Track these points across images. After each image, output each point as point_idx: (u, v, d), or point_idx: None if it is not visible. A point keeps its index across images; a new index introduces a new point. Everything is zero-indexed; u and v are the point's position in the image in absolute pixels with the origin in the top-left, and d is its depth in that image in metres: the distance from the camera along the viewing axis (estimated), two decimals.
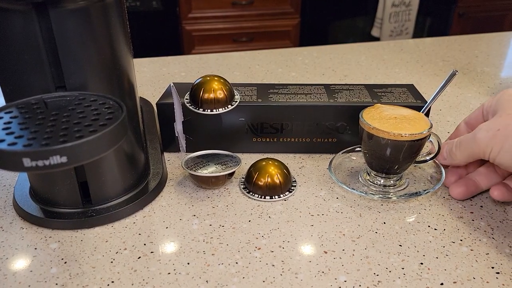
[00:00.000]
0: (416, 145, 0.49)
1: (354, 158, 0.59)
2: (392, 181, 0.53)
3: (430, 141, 0.52)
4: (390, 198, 0.51)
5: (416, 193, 0.52)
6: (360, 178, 0.55)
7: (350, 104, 0.57)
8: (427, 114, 0.57)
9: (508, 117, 0.44)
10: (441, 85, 0.54)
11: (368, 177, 0.55)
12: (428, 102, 0.55)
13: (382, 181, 0.53)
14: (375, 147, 0.50)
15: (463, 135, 0.50)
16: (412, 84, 0.63)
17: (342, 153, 0.58)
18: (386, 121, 0.50)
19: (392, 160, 0.50)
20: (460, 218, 0.49)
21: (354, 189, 0.51)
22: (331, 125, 0.58)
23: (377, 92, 0.60)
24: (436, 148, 0.52)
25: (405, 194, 0.52)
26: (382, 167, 0.52)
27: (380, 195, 0.51)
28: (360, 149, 0.54)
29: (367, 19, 2.39)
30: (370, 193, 0.52)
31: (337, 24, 2.40)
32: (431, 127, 0.49)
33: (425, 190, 0.52)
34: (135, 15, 2.06)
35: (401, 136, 0.48)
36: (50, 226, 0.47)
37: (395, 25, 2.30)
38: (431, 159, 0.53)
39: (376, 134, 0.49)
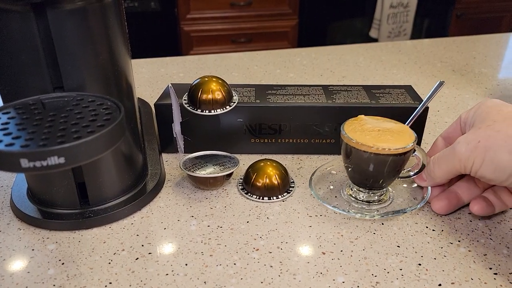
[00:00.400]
0: (400, 159, 0.46)
1: (335, 172, 0.56)
2: (376, 197, 0.51)
3: (415, 155, 0.49)
4: (373, 217, 0.48)
5: (400, 210, 0.49)
6: (342, 193, 0.52)
7: (348, 105, 0.57)
8: (424, 117, 0.58)
9: (487, 128, 0.41)
10: (428, 95, 0.53)
11: (350, 192, 0.52)
12: (414, 114, 0.53)
13: (365, 196, 0.51)
14: (357, 162, 0.48)
15: (441, 150, 0.47)
16: (410, 85, 0.63)
17: (323, 166, 0.56)
18: (369, 133, 0.47)
19: (375, 175, 0.48)
20: (458, 219, 0.49)
21: (335, 207, 0.49)
22: (330, 126, 0.58)
23: (375, 93, 0.60)
24: (421, 163, 0.50)
25: (388, 212, 0.48)
26: (365, 182, 0.50)
27: (362, 214, 0.48)
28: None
29: (365, 20, 2.39)
30: (352, 211, 0.49)
31: (335, 25, 2.41)
32: (415, 140, 0.47)
33: (410, 207, 0.49)
34: (133, 15, 2.06)
35: (384, 150, 0.45)
36: (48, 227, 0.47)
37: (393, 26, 2.30)
38: (415, 174, 0.50)
39: (358, 148, 0.46)
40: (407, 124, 0.51)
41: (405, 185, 0.54)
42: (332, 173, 0.56)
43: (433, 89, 0.53)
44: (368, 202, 0.51)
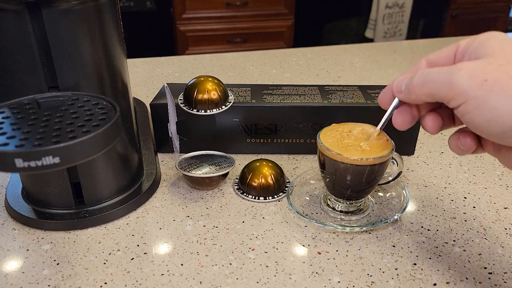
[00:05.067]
0: (379, 168, 0.45)
1: (313, 182, 0.54)
2: (354, 207, 0.49)
3: (392, 161, 0.48)
4: (353, 229, 0.46)
5: (381, 220, 0.47)
6: (320, 205, 0.50)
7: (344, 105, 0.57)
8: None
9: (500, 68, 0.32)
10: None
11: (328, 202, 0.50)
12: (385, 119, 0.43)
13: (343, 207, 0.49)
14: (334, 172, 0.46)
15: None
16: None
17: (302, 175, 0.55)
18: (346, 143, 0.45)
19: (353, 185, 0.46)
20: (453, 218, 0.49)
21: (313, 220, 0.47)
22: (325, 126, 0.58)
23: (371, 93, 0.60)
24: (397, 170, 0.49)
25: (369, 223, 0.47)
26: (343, 193, 0.47)
27: (341, 226, 0.46)
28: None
29: (361, 21, 2.40)
30: (330, 225, 0.46)
31: (331, 25, 2.41)
32: (393, 149, 0.45)
33: (392, 217, 0.47)
34: (129, 15, 2.06)
35: (362, 160, 0.43)
36: (43, 227, 0.46)
37: (388, 27, 2.31)
38: (393, 179, 0.50)
39: (335, 159, 0.44)
40: (380, 128, 0.45)
41: (381, 194, 0.52)
42: (311, 183, 0.54)
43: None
44: (347, 212, 0.49)
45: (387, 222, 0.47)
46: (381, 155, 0.44)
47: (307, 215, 0.49)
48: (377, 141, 0.45)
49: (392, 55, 1.03)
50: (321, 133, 0.47)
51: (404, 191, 0.51)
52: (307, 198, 0.52)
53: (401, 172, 0.49)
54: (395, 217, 0.47)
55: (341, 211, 0.49)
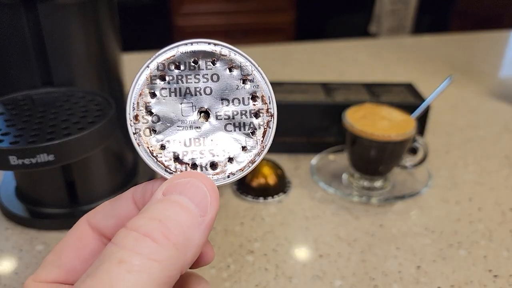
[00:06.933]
0: (399, 146, 0.48)
1: (332, 158, 0.58)
2: (376, 184, 0.53)
3: (418, 146, 0.52)
4: (370, 199, 0.50)
5: (400, 196, 0.50)
6: (343, 180, 0.54)
7: (348, 102, 0.56)
8: (425, 115, 0.57)
9: None
10: (438, 90, 0.52)
11: (351, 179, 0.54)
12: (420, 108, 0.52)
13: (366, 183, 0.53)
14: (358, 148, 0.50)
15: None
16: (411, 83, 0.62)
17: (325, 153, 0.58)
18: (371, 121, 0.49)
19: (375, 161, 0.50)
20: (458, 220, 0.48)
21: (337, 190, 0.51)
22: (329, 124, 0.57)
23: (376, 91, 0.59)
24: (422, 155, 0.52)
25: (387, 198, 0.50)
26: (366, 168, 0.51)
27: (361, 197, 0.50)
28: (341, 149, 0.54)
29: (364, 16, 2.38)
30: (351, 194, 0.51)
31: (334, 20, 2.39)
32: (415, 128, 0.48)
33: (409, 194, 0.51)
34: (126, 9, 2.04)
35: (384, 137, 0.47)
36: (36, 226, 0.46)
37: (393, 22, 2.29)
38: (411, 166, 0.53)
39: (359, 135, 0.48)
40: (413, 117, 0.51)
41: (407, 175, 0.55)
42: (335, 160, 0.57)
43: (444, 84, 0.52)
44: (369, 189, 0.52)
45: (403, 198, 0.50)
46: (403, 132, 0.47)
47: (332, 187, 0.52)
48: (402, 121, 0.49)
49: (396, 51, 1.01)
50: (348, 111, 0.51)
51: (428, 172, 0.54)
52: (331, 173, 0.55)
53: (426, 156, 0.51)
54: (415, 194, 0.50)
55: (363, 187, 0.52)
